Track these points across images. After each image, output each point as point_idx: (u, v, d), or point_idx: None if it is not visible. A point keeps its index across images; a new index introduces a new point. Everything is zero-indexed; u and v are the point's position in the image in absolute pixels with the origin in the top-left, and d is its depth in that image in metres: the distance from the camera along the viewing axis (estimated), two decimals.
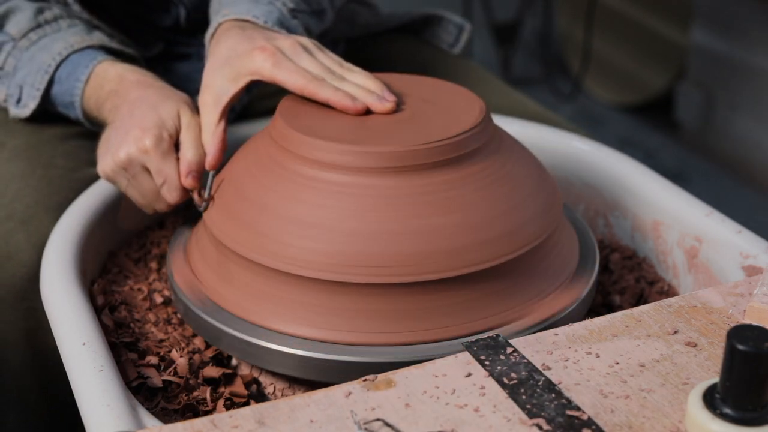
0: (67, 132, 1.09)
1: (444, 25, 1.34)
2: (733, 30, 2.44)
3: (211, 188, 0.89)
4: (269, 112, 0.93)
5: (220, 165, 0.91)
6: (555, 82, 2.99)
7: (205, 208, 0.88)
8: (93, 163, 1.06)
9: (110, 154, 0.93)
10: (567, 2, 3.08)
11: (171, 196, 0.91)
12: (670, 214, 0.99)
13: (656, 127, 2.78)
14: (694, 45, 2.55)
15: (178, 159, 0.91)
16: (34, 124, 1.08)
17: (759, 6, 2.33)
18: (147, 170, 0.92)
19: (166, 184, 0.91)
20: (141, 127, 0.91)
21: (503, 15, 3.06)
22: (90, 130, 1.09)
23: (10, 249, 0.95)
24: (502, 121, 1.05)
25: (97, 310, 0.90)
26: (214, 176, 0.90)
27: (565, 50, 3.11)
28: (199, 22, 1.16)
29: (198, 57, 1.20)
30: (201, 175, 0.91)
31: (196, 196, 0.90)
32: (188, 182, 0.90)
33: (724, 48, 2.46)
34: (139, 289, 0.96)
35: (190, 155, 0.90)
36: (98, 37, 1.04)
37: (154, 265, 1.01)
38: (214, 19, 0.97)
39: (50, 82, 1.02)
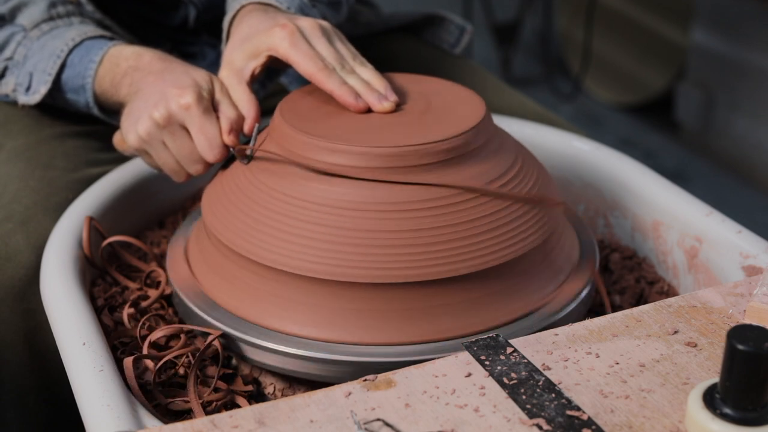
0: (67, 132, 1.08)
1: (445, 26, 1.34)
2: (733, 30, 2.44)
3: (255, 140, 0.89)
4: (270, 111, 0.93)
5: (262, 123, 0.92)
6: (555, 82, 2.99)
7: (249, 161, 0.88)
8: (92, 163, 1.06)
9: (146, 114, 0.91)
10: (567, 2, 3.07)
11: (212, 154, 0.90)
12: (670, 214, 0.99)
13: (656, 127, 2.78)
14: (694, 45, 2.55)
15: (217, 118, 0.91)
16: (33, 124, 1.08)
17: (759, 6, 2.33)
18: (185, 129, 0.90)
19: (208, 142, 0.89)
20: (178, 86, 0.90)
21: (503, 15, 3.06)
22: (89, 131, 1.09)
23: (9, 250, 0.95)
24: (502, 121, 1.05)
25: (97, 310, 0.90)
26: (259, 130, 0.90)
27: (565, 50, 3.11)
28: (206, 22, 1.16)
29: (202, 56, 1.20)
30: (239, 134, 0.91)
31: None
32: (230, 140, 0.90)
33: (724, 48, 2.46)
34: (139, 289, 0.96)
35: (231, 113, 0.90)
36: (110, 34, 1.04)
37: (154, 265, 1.01)
38: (236, 2, 0.97)
39: (61, 67, 1.02)
